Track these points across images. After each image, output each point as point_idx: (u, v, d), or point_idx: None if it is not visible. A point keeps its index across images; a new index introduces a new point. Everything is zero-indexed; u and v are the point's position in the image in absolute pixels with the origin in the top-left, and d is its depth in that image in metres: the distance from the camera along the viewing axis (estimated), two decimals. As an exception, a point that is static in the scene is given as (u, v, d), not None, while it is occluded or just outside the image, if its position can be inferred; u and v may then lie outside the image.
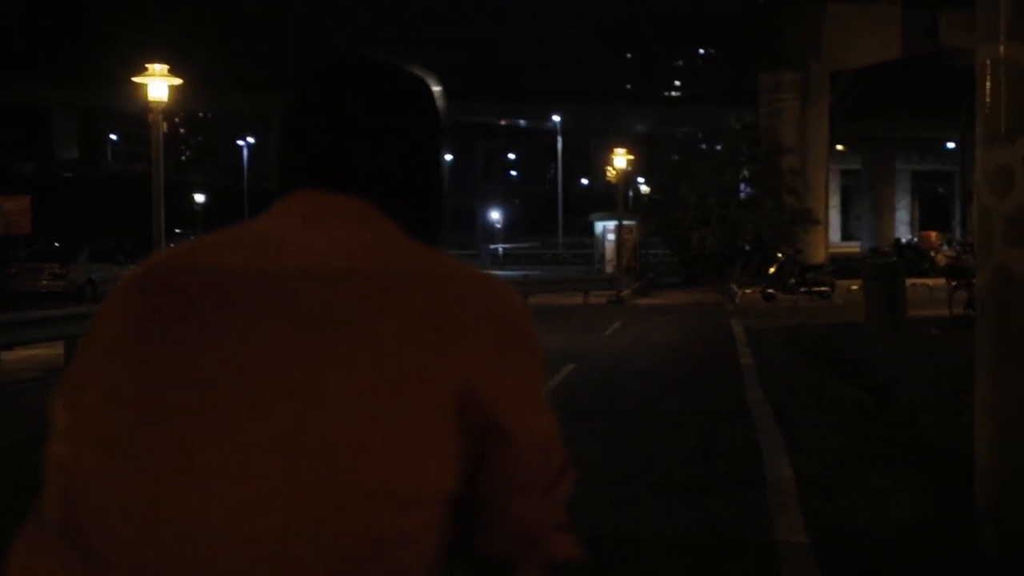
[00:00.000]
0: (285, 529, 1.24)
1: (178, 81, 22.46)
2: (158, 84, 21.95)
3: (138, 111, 22.15)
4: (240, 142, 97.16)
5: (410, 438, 1.28)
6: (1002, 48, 5.71)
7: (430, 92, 1.55)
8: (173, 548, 1.24)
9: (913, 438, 10.23)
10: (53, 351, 18.14)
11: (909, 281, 22.75)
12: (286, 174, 1.47)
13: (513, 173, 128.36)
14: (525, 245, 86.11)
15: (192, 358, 1.31)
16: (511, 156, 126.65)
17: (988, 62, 5.87)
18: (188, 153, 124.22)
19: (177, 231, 58.17)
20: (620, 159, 44.31)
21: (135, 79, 22.30)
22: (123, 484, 1.27)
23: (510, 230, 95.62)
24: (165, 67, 22.06)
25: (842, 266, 37.14)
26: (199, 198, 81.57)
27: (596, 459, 9.62)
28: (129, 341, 1.35)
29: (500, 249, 78.30)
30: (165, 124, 22.90)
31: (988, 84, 5.81)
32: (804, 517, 7.39)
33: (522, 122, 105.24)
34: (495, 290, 1.40)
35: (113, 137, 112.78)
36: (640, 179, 67.76)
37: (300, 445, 1.25)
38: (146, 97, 22.33)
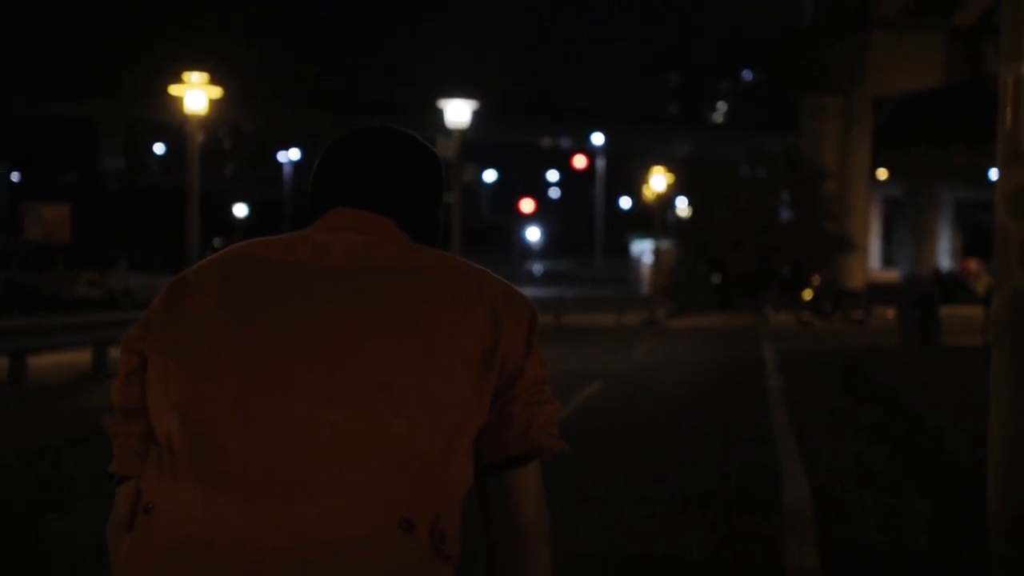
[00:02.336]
0: (370, 449, 1.69)
1: (217, 92, 22.57)
2: (195, 94, 22.05)
3: (189, 130, 22.27)
4: (282, 157, 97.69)
5: (453, 395, 1.74)
6: (1023, 67, 5.62)
7: (431, 151, 2.06)
8: (281, 464, 1.68)
9: (938, 464, 10.08)
10: (82, 357, 18.24)
11: (947, 309, 22.54)
12: (326, 197, 1.95)
13: (553, 193, 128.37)
14: (563, 264, 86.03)
15: (286, 331, 1.76)
16: (552, 176, 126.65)
17: (1010, 81, 5.77)
18: (231, 167, 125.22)
19: (215, 242, 58.48)
20: (659, 180, 44.26)
21: (171, 90, 22.42)
22: (245, 421, 1.70)
23: (548, 249, 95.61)
24: (205, 76, 22.17)
25: (880, 293, 36.86)
26: (239, 211, 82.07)
27: (615, 477, 9.55)
28: (234, 313, 1.79)
29: (536, 268, 78.25)
30: (207, 136, 23.08)
31: (1009, 103, 5.71)
32: (818, 541, 7.28)
33: (564, 142, 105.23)
34: (497, 279, 1.89)
35: (159, 149, 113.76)
36: (679, 201, 67.65)
37: (374, 400, 1.71)
38: (184, 109, 22.47)
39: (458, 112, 22.84)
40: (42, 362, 17.62)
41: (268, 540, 1.65)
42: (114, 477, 1.91)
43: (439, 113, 24.26)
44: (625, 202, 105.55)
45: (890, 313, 29.36)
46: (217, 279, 1.84)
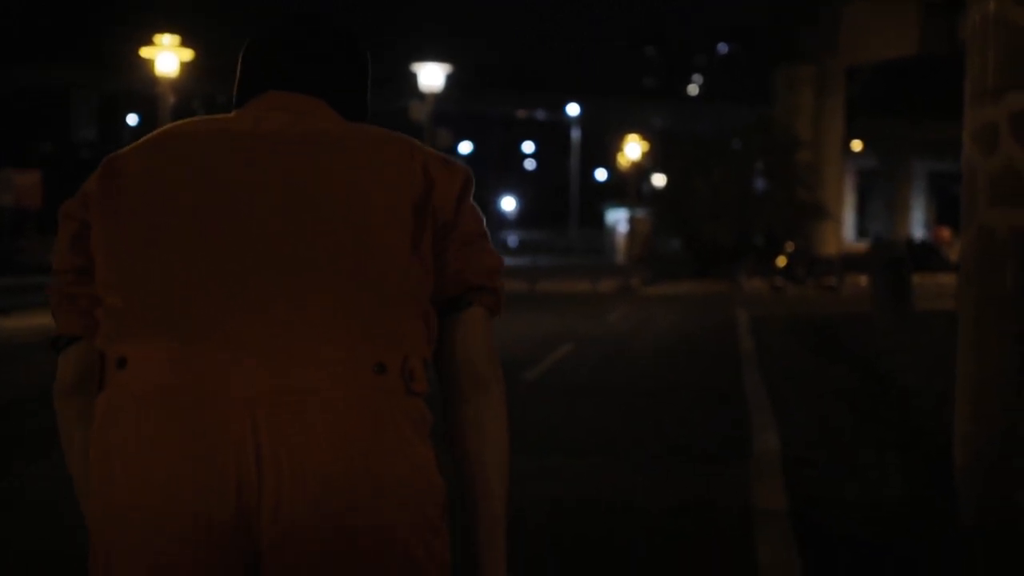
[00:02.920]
0: (338, 300, 1.77)
1: (188, 54, 22.39)
2: (167, 57, 21.86)
3: (160, 93, 22.03)
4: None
5: (408, 248, 1.82)
6: (992, 4, 5.59)
7: (355, 37, 2.09)
8: (254, 317, 1.74)
9: (907, 421, 10.11)
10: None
11: (920, 277, 22.60)
12: (256, 83, 1.99)
13: (529, 164, 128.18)
14: (538, 234, 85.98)
15: (229, 194, 1.80)
16: (527, 147, 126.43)
17: (977, 18, 5.75)
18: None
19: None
20: (633, 148, 44.22)
21: (143, 52, 22.23)
22: (209, 277, 1.75)
23: (524, 220, 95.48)
24: (176, 39, 21.98)
25: (854, 263, 36.95)
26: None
27: (586, 431, 9.57)
28: (176, 179, 1.83)
29: (511, 238, 78.16)
30: (181, 107, 22.91)
31: (977, 41, 5.70)
32: (786, 488, 7.30)
33: (540, 113, 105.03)
34: (431, 149, 1.97)
35: (133, 120, 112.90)
36: (656, 174, 67.62)
37: (329, 252, 1.78)
38: (155, 71, 22.27)
39: (431, 76, 22.68)
40: (14, 323, 17.50)
41: (253, 388, 1.72)
42: (59, 342, 1.93)
43: (415, 79, 24.10)
44: (601, 174, 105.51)
45: (863, 281, 29.46)
46: (153, 151, 1.88)
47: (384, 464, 1.76)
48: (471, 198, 1.96)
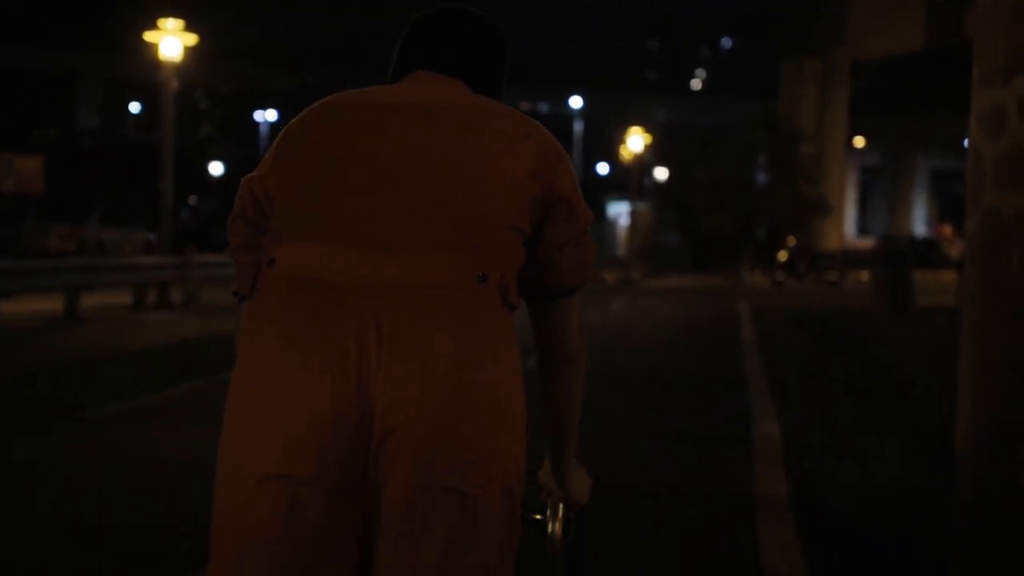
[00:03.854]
0: (455, 221, 2.10)
1: (192, 39, 22.34)
2: (170, 41, 21.82)
3: (164, 77, 21.98)
4: (258, 117, 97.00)
5: (511, 200, 2.14)
6: (1001, -15, 5.56)
7: (497, 30, 2.47)
8: (385, 225, 2.08)
9: (907, 409, 10.12)
10: (54, 305, 18.12)
11: (922, 273, 22.61)
12: (408, 62, 2.38)
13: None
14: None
15: (378, 140, 2.17)
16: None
17: (990, 1, 5.72)
18: (207, 128, 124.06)
19: (190, 200, 58.16)
20: (636, 140, 44.15)
21: (146, 36, 22.17)
22: (354, 193, 2.12)
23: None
24: (180, 23, 21.93)
25: (855, 259, 36.91)
26: (215, 169, 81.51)
27: (588, 417, 9.54)
28: (332, 134, 2.20)
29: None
30: (184, 97, 22.85)
31: (987, 23, 5.67)
32: (787, 473, 7.30)
33: (542, 106, 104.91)
34: (546, 130, 2.28)
35: (136, 107, 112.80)
36: (658, 167, 67.53)
37: (451, 189, 2.11)
38: (159, 55, 22.22)
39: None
40: (13, 307, 17.49)
41: (378, 279, 2.05)
42: (237, 294, 2.28)
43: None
44: (603, 167, 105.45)
45: (864, 276, 29.46)
46: (314, 112, 2.28)
47: (475, 356, 2.05)
48: (578, 190, 2.27)
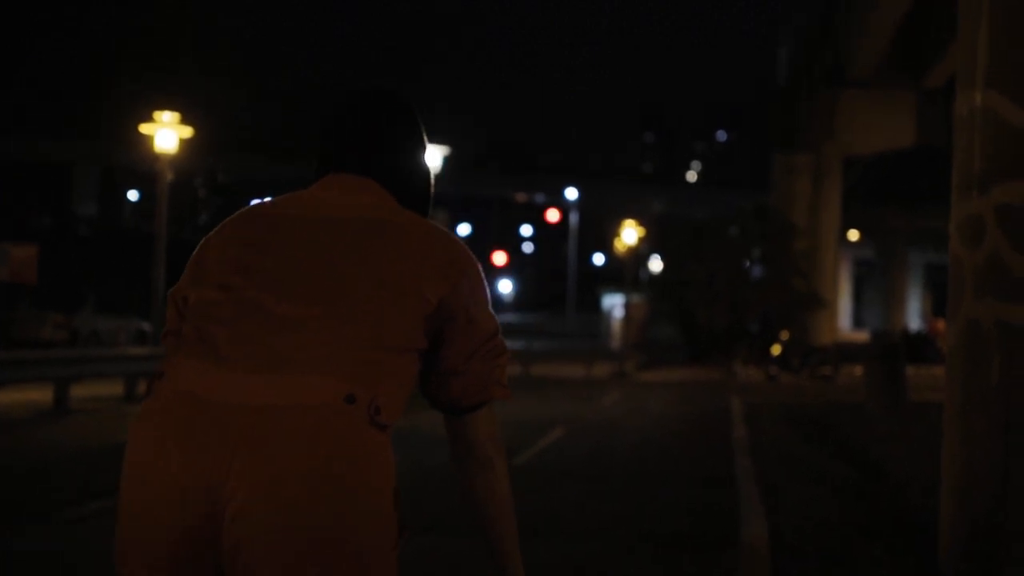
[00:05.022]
0: (329, 343, 2.18)
1: (188, 131, 22.48)
2: (166, 133, 21.98)
3: (160, 169, 22.10)
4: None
5: (400, 319, 2.22)
6: (978, 96, 5.62)
7: (414, 113, 2.53)
8: (259, 346, 2.19)
9: (899, 514, 10.01)
10: (43, 395, 18.03)
11: (916, 368, 22.56)
12: (322, 163, 2.48)
13: (527, 248, 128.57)
14: (534, 317, 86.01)
15: (271, 261, 2.27)
16: (525, 230, 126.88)
17: (966, 111, 5.78)
18: (206, 217, 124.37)
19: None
20: (630, 233, 44.34)
21: (142, 128, 22.33)
22: (238, 315, 2.23)
23: (520, 303, 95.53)
24: (176, 115, 22.09)
25: (849, 352, 36.85)
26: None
27: (573, 518, 9.47)
28: (238, 248, 2.31)
29: (502, 319, 78.10)
30: (182, 185, 22.96)
31: (964, 133, 5.72)
32: (773, 578, 7.20)
33: (538, 197, 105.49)
34: (456, 239, 2.37)
35: (133, 196, 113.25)
36: (652, 258, 67.75)
37: (338, 310, 2.21)
38: (154, 147, 22.36)
39: (429, 157, 22.75)
40: (2, 397, 17.41)
41: (245, 399, 2.13)
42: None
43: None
44: (598, 258, 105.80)
45: (858, 371, 29.40)
46: (229, 224, 2.41)
47: (332, 478, 2.11)
48: (484, 298, 2.38)
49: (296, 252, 2.28)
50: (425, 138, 2.56)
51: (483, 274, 2.40)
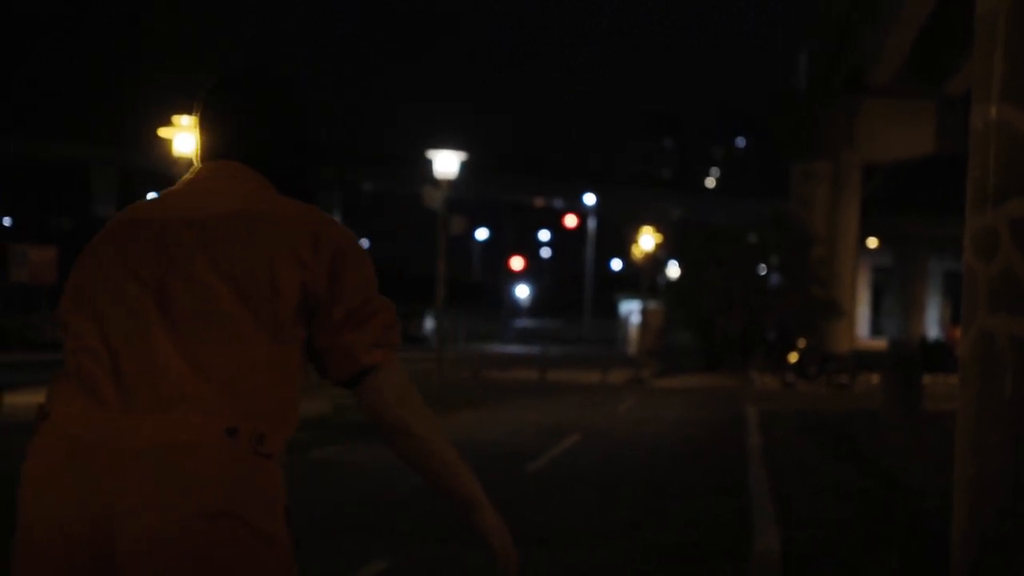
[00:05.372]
0: (198, 362, 2.18)
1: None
2: (185, 137, 22.06)
3: (178, 172, 22.16)
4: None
5: (270, 327, 2.23)
6: (994, 109, 5.59)
7: (287, 92, 2.47)
8: (140, 386, 2.18)
9: (913, 524, 9.98)
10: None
11: (933, 377, 22.47)
12: (202, 152, 2.43)
13: (544, 253, 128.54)
14: (551, 323, 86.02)
15: (137, 287, 2.24)
16: (543, 235, 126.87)
17: (981, 124, 5.75)
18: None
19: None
20: (647, 240, 44.31)
21: (160, 132, 22.40)
22: (114, 353, 2.21)
23: (538, 308, 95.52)
24: (194, 119, 22.14)
25: (867, 360, 36.73)
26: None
27: (586, 526, 9.46)
28: (109, 257, 2.29)
29: (521, 324, 78.17)
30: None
31: (979, 146, 5.70)
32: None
33: (556, 202, 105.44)
34: (321, 219, 2.32)
35: (153, 195, 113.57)
36: (670, 264, 67.64)
37: (209, 336, 2.20)
38: (172, 151, 22.44)
39: (446, 163, 22.79)
40: (17, 400, 17.48)
41: (127, 441, 2.14)
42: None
43: (430, 165, 24.20)
44: (616, 264, 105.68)
45: (875, 379, 29.29)
46: (101, 238, 2.36)
47: (218, 515, 2.12)
48: (350, 268, 2.30)
49: (164, 272, 2.24)
50: (302, 118, 2.48)
51: (355, 246, 2.33)
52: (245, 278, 2.21)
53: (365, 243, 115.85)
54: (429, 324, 61.47)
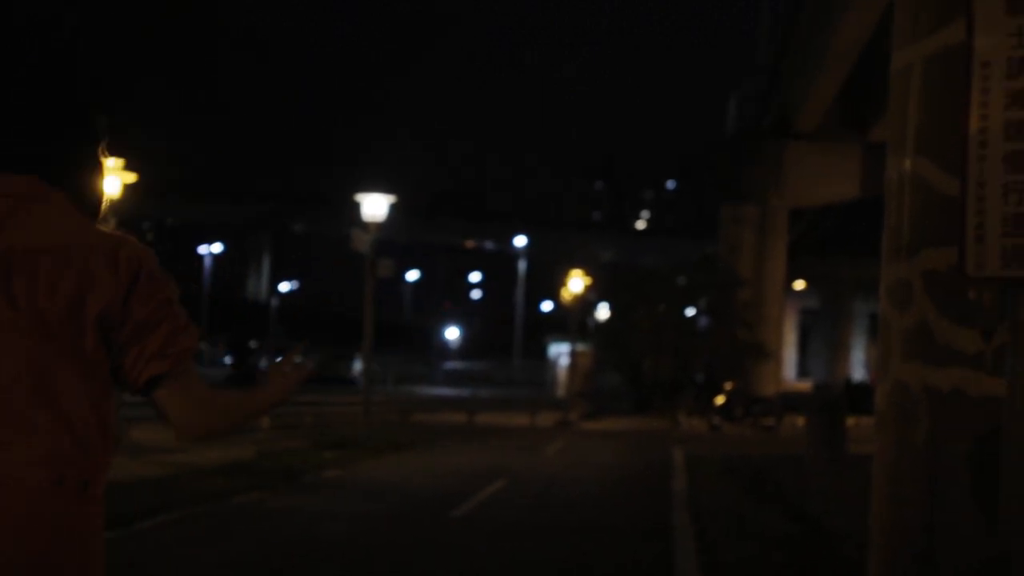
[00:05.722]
0: (27, 430, 2.18)
1: (132, 177, 22.30)
2: (110, 179, 21.81)
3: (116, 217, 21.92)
4: (203, 250, 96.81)
5: (79, 366, 2.23)
6: (908, 162, 5.70)
7: (87, 113, 2.47)
8: None
9: (835, 569, 10.05)
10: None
11: (855, 419, 22.69)
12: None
13: (475, 294, 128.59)
14: (480, 365, 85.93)
15: None
16: (474, 277, 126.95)
17: (896, 175, 5.86)
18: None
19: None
20: (576, 282, 44.48)
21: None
22: None
23: (468, 350, 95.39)
24: (120, 161, 21.90)
25: (794, 402, 37.05)
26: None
27: (510, 571, 9.42)
28: None
29: (451, 367, 78.01)
30: (131, 229, 22.69)
31: (893, 198, 5.79)
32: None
33: (488, 244, 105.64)
34: (113, 244, 2.28)
35: None
36: (601, 305, 67.90)
37: (27, 384, 2.19)
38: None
39: (375, 206, 22.76)
40: None
41: None
42: None
43: (358, 208, 24.08)
44: (547, 306, 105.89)
45: (801, 421, 29.51)
46: None
47: (49, 566, 2.16)
48: (143, 284, 2.29)
49: None
50: (100, 148, 2.49)
51: (150, 264, 2.32)
52: (56, 320, 2.22)
53: (295, 284, 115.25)
54: (358, 366, 61.18)
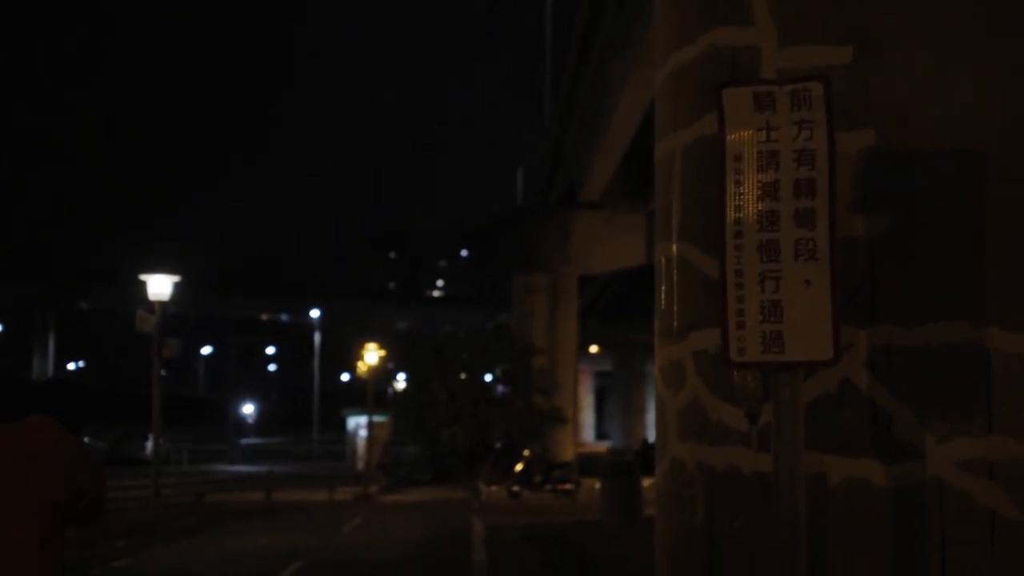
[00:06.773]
0: None
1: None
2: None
3: None
4: None
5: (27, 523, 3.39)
6: (674, 247, 5.86)
7: (78, 391, 4.30)
8: None
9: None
10: None
11: (651, 479, 23.04)
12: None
13: (272, 367, 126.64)
14: (279, 440, 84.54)
15: None
16: (270, 350, 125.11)
17: (663, 259, 6.00)
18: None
19: None
20: (371, 354, 44.28)
21: None
22: None
23: (266, 425, 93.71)
24: None
25: (592, 465, 37.51)
26: None
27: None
28: None
29: (248, 443, 76.54)
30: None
31: (662, 282, 5.94)
32: None
33: (284, 316, 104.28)
34: (60, 451, 3.64)
35: None
36: (399, 376, 67.65)
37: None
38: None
39: (160, 286, 22.36)
40: None
41: None
42: None
43: (143, 287, 23.52)
44: (345, 377, 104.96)
45: (599, 485, 29.90)
46: None
47: None
48: (77, 470, 3.73)
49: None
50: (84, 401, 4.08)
51: (69, 452, 3.78)
52: (24, 506, 3.35)
53: (82, 363, 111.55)
54: (151, 446, 59.39)
